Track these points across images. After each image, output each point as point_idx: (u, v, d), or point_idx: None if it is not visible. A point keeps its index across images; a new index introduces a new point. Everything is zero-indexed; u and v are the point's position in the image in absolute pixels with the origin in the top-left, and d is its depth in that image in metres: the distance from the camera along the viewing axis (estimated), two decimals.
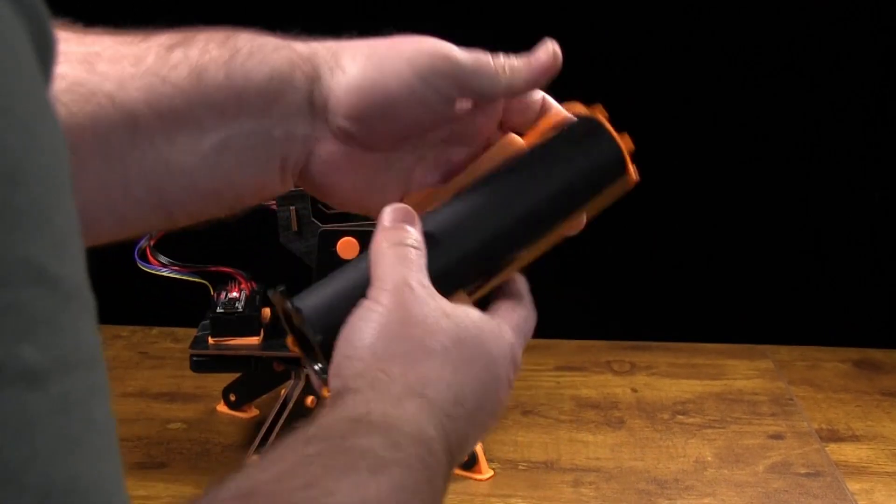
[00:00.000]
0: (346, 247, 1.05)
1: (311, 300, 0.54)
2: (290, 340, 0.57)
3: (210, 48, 0.55)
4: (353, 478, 0.43)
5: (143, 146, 0.53)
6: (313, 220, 1.06)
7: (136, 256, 1.04)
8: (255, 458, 0.48)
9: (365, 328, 0.51)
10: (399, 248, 0.53)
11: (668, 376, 1.30)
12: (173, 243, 1.06)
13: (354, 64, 0.56)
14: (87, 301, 0.31)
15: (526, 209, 0.57)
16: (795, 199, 1.40)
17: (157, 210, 0.55)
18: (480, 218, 0.56)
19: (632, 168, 0.61)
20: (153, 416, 1.19)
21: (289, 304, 0.54)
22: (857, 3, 1.32)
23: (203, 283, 1.09)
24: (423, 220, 0.55)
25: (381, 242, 0.53)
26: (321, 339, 0.53)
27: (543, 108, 0.61)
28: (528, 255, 0.58)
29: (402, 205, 0.55)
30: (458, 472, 1.06)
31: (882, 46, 1.33)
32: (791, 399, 1.24)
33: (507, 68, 0.57)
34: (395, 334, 0.51)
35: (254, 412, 1.19)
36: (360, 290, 0.53)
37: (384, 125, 0.56)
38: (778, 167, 1.40)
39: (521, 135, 0.60)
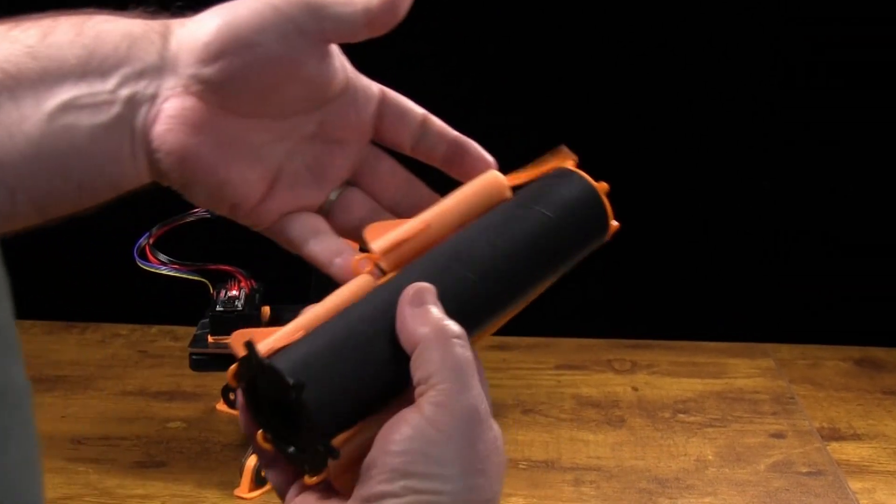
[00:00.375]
0: None
1: (316, 387, 0.46)
2: (232, 383, 0.49)
3: (61, 16, 0.52)
4: None
5: None
6: None
7: (135, 255, 1.04)
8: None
9: (419, 457, 0.45)
10: (449, 345, 0.47)
11: (668, 375, 1.30)
12: (172, 241, 1.06)
13: (207, 13, 0.53)
14: (5, 339, 0.29)
15: (519, 281, 0.53)
16: (796, 196, 1.40)
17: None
18: (476, 289, 0.51)
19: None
20: (152, 414, 1.19)
21: (292, 396, 0.45)
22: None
23: (202, 282, 1.09)
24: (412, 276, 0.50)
25: (422, 328, 0.47)
26: (331, 452, 0.46)
27: (426, 126, 0.58)
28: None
29: (426, 283, 0.49)
30: None
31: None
32: (792, 398, 1.24)
33: None
34: (460, 482, 0.45)
35: None
36: (383, 386, 0.47)
37: (240, 67, 0.52)
38: (778, 166, 1.39)
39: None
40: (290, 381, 0.45)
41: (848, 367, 1.33)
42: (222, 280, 1.11)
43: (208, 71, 0.52)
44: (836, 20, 1.32)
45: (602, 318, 1.47)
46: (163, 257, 1.05)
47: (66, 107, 0.50)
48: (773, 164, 1.39)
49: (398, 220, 0.53)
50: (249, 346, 0.47)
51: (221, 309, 1.07)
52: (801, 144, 1.38)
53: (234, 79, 0.52)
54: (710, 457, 1.10)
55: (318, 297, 0.52)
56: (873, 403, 1.23)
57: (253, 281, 1.11)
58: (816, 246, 1.42)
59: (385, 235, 0.52)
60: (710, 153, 1.40)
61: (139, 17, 0.54)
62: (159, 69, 0.52)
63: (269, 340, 0.48)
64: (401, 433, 0.45)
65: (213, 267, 1.08)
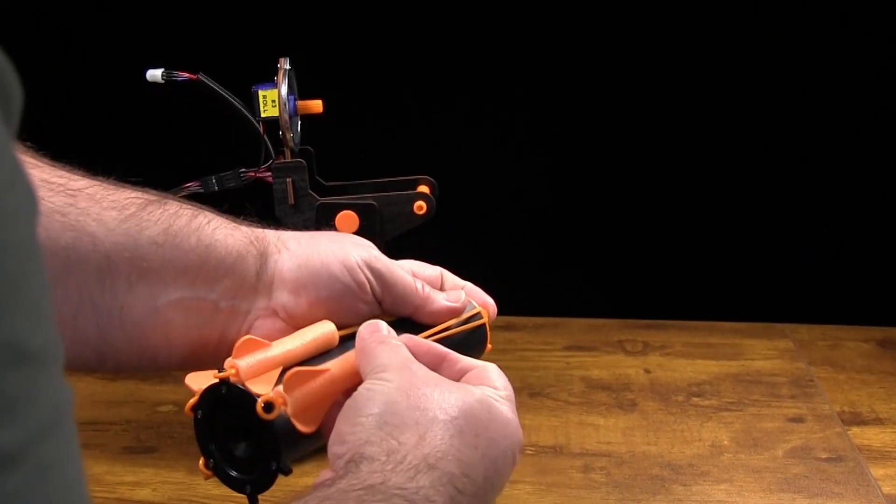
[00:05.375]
0: (345, 220, 1.04)
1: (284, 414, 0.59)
2: (189, 412, 0.60)
3: (182, 212, 0.62)
4: None
5: (105, 286, 0.58)
6: (311, 192, 1.05)
7: None
8: None
9: (373, 398, 0.56)
10: (388, 343, 0.61)
11: (682, 356, 1.30)
12: None
13: (298, 244, 0.67)
14: (58, 353, 0.32)
15: None
16: (815, 172, 1.40)
17: (92, 350, 0.60)
18: None
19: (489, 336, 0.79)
20: (143, 398, 1.19)
21: (262, 417, 0.57)
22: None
23: None
24: None
25: (367, 341, 0.61)
26: (283, 469, 0.58)
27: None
28: None
29: (375, 320, 0.64)
30: None
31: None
32: (811, 380, 1.24)
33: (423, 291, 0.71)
34: (405, 405, 0.56)
35: None
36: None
37: (316, 303, 0.65)
38: (796, 142, 1.39)
39: None
40: (262, 402, 0.56)
41: (870, 349, 1.33)
42: None
43: (293, 304, 0.65)
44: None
45: (613, 297, 1.47)
46: None
47: (174, 306, 0.61)
48: (790, 139, 1.39)
49: (263, 343, 0.63)
50: (225, 381, 0.58)
51: None
52: (814, 120, 1.37)
53: (311, 311, 0.65)
54: (725, 442, 1.09)
55: None
56: None
57: None
58: (837, 222, 1.41)
59: (250, 355, 0.62)
60: (727, 129, 1.39)
61: (242, 225, 0.67)
62: (254, 290, 0.64)
63: (247, 365, 0.59)
64: (357, 393, 0.58)
65: None
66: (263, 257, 0.64)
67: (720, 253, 1.44)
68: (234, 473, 0.59)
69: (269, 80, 1.03)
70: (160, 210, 0.62)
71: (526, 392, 1.21)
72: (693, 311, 1.41)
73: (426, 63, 1.41)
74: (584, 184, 1.44)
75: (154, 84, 1.03)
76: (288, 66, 1.05)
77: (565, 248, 1.48)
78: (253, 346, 0.61)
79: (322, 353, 0.65)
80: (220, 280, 0.62)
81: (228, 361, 0.60)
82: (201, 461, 0.60)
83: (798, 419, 1.14)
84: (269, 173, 1.05)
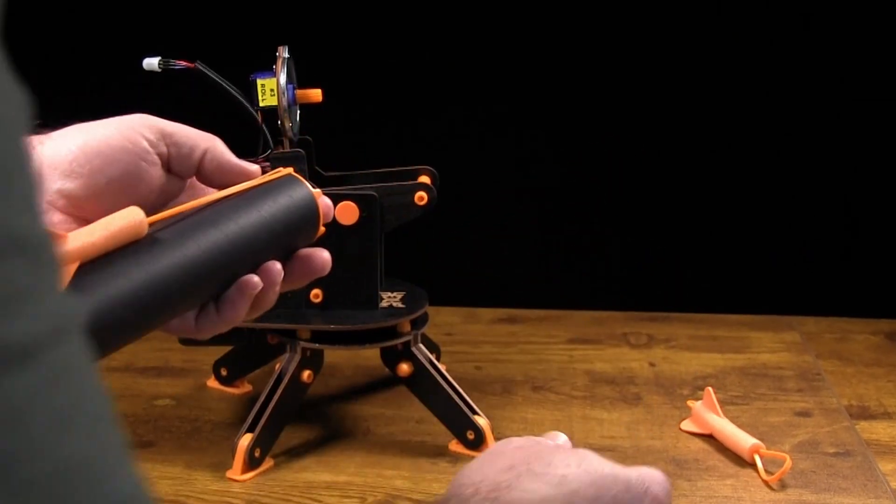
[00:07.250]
0: (345, 211, 1.04)
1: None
2: None
3: None
4: None
5: None
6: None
7: None
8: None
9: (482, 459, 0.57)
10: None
11: (687, 349, 1.30)
12: None
13: (64, 134, 0.63)
14: (55, 256, 0.31)
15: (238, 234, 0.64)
16: (822, 163, 1.39)
17: None
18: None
19: (321, 215, 0.73)
20: (139, 391, 1.19)
21: None
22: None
23: None
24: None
25: None
26: None
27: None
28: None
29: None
30: (465, 451, 1.06)
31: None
32: (819, 374, 1.24)
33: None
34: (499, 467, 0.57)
35: (246, 388, 1.19)
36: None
37: (97, 183, 0.61)
38: (802, 133, 1.39)
39: None
40: None
41: (878, 342, 1.33)
42: None
43: (71, 186, 0.60)
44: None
45: (617, 289, 1.47)
46: None
47: None
48: (797, 129, 1.39)
49: (57, 235, 0.57)
50: None
51: None
52: (822, 110, 1.37)
53: (92, 194, 0.61)
54: None
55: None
56: None
57: None
58: (844, 213, 1.41)
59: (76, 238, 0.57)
60: (732, 121, 1.39)
61: None
62: None
63: None
64: None
65: None
66: None
67: (725, 244, 1.44)
68: None
69: (268, 68, 1.03)
70: None
71: (529, 385, 1.21)
72: (698, 303, 1.41)
73: (427, 52, 1.40)
74: (588, 175, 1.44)
75: (151, 73, 1.03)
76: (287, 55, 1.04)
77: (568, 240, 1.48)
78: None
79: (129, 244, 0.58)
80: None
81: None
82: None
83: (805, 413, 1.14)
84: (268, 163, 1.05)
